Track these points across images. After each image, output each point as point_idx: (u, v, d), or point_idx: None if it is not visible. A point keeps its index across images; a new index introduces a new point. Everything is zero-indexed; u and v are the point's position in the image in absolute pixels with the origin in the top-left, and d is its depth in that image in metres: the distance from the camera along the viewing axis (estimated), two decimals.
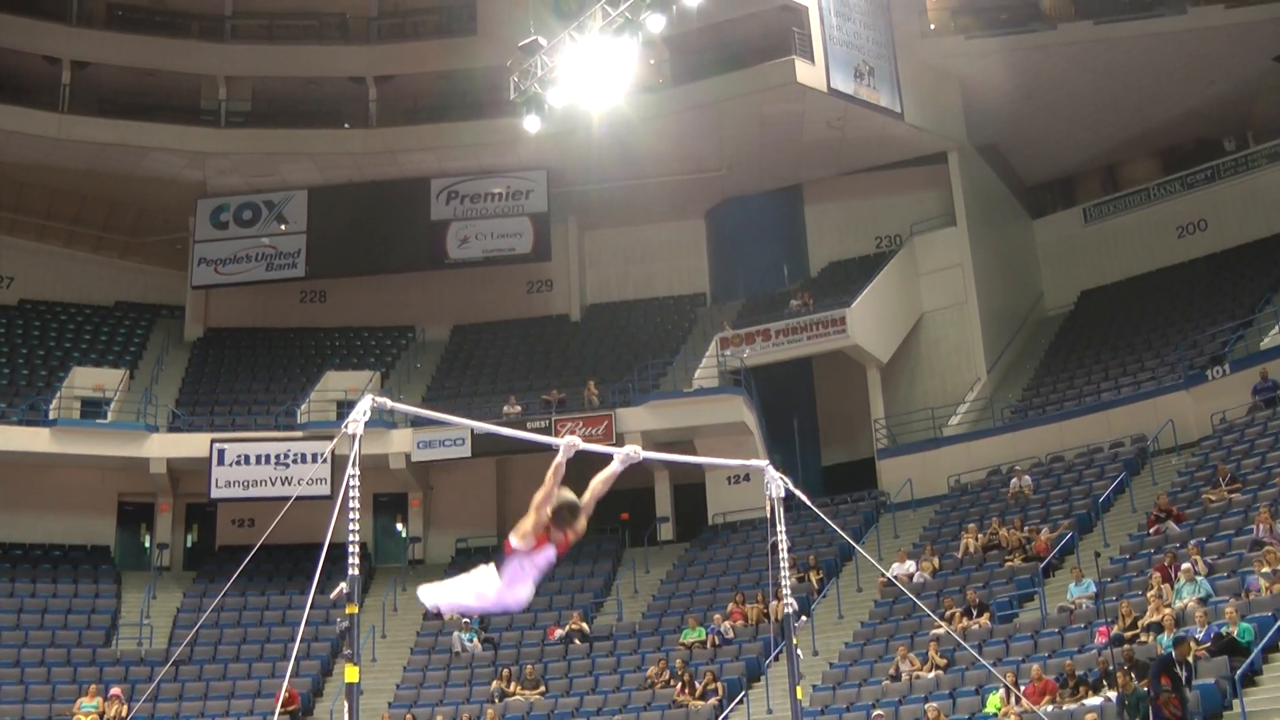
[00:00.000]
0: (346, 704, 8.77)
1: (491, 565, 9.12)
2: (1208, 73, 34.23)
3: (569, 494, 8.96)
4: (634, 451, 9.58)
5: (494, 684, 25.97)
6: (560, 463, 8.96)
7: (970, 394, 33.70)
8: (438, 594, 9.24)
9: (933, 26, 35.80)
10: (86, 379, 33.63)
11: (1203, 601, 20.01)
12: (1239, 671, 17.68)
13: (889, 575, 24.61)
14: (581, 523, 9.05)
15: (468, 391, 35.37)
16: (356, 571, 8.80)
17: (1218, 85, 34.76)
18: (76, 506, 32.73)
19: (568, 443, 9.19)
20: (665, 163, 36.35)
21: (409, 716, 24.83)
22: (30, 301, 37.78)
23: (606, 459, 9.61)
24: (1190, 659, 17.79)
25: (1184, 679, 17.48)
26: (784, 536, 11.32)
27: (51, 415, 31.85)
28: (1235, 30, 33.06)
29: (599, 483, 9.27)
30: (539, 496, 8.86)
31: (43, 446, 30.92)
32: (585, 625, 28.07)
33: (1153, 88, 34.74)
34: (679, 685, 24.24)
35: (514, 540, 8.91)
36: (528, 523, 8.89)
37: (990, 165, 36.80)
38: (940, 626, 22.28)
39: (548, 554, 9.00)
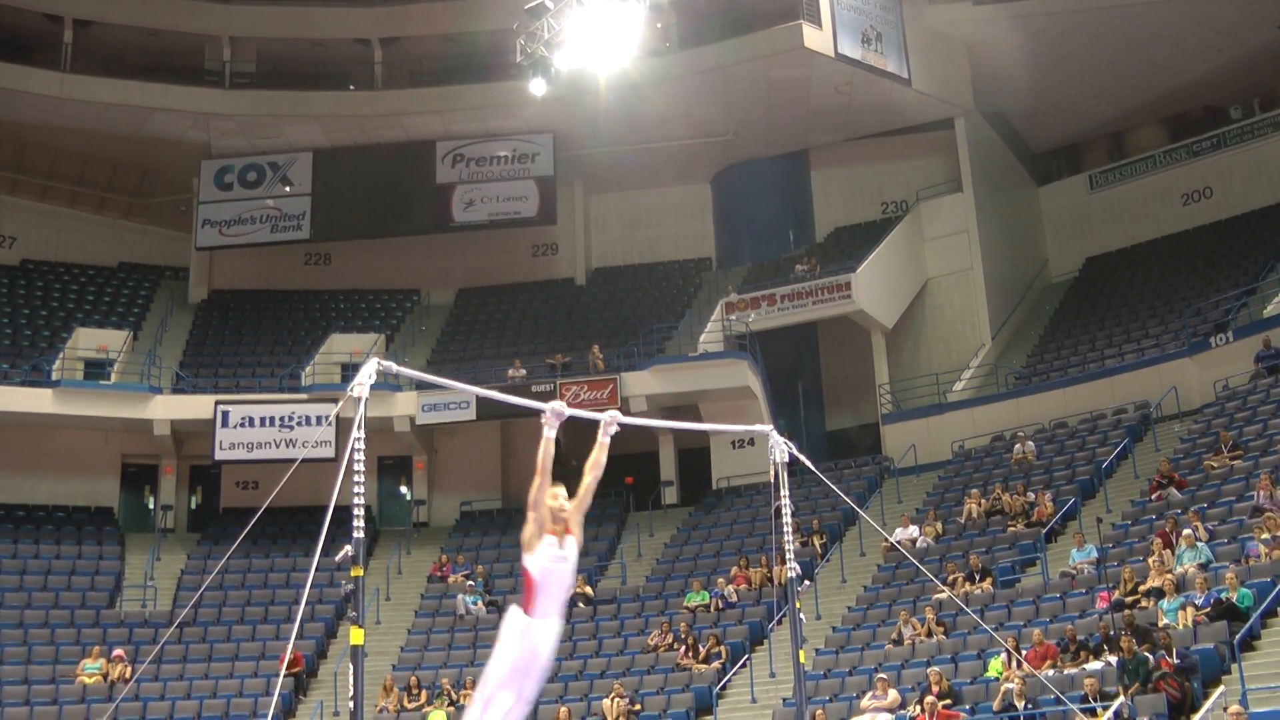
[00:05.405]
0: (351, 666, 8.79)
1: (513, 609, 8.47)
2: (1215, 40, 34.02)
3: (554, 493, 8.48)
4: (610, 416, 9.15)
5: None
6: (548, 449, 8.48)
7: (975, 360, 33.71)
8: None
9: None
10: (90, 340, 33.70)
11: (1203, 567, 20.12)
12: (1238, 637, 17.78)
13: (892, 540, 24.67)
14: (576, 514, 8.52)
15: (472, 355, 35.38)
16: (361, 534, 8.82)
17: (1225, 53, 34.54)
18: (80, 468, 32.77)
19: (553, 409, 8.76)
20: (671, 127, 36.27)
21: (413, 679, 24.90)
22: (33, 262, 37.69)
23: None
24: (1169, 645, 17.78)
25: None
26: (788, 501, 11.32)
27: (55, 376, 31.88)
28: None
29: (591, 468, 8.79)
30: (532, 495, 8.38)
31: (46, 408, 30.88)
32: (589, 589, 28.10)
33: (1160, 55, 34.53)
34: (682, 649, 24.31)
35: (528, 559, 8.31)
36: (528, 528, 8.35)
37: (997, 132, 36.65)
38: (943, 591, 22.39)
39: (568, 555, 8.40)
